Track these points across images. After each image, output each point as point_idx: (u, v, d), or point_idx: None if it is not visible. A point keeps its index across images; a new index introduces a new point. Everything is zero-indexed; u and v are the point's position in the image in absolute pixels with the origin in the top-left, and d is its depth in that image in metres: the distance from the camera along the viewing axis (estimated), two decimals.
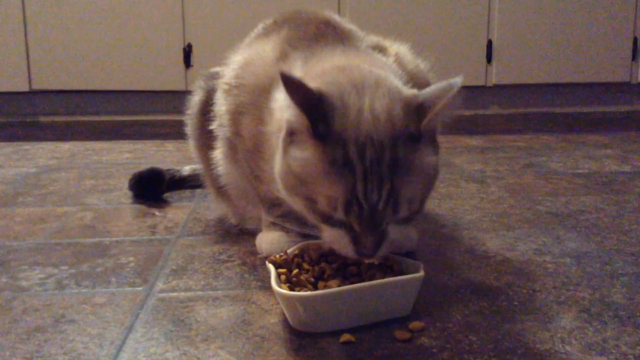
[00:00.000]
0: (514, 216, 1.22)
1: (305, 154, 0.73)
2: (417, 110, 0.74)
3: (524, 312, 0.79)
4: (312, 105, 0.72)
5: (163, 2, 2.78)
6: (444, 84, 0.75)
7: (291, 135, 0.76)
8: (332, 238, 0.76)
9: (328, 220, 0.75)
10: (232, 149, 1.02)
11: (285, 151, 0.76)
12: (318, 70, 0.83)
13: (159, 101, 2.93)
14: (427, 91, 0.76)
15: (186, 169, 1.44)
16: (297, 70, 0.87)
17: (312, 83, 0.75)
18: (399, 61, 0.98)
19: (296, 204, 0.78)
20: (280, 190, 0.80)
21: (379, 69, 0.83)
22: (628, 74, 3.04)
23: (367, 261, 0.79)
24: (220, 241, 1.08)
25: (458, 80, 0.73)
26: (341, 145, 0.71)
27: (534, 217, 1.22)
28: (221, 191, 1.11)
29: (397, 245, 0.97)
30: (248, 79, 0.96)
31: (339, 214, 0.73)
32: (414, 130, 0.73)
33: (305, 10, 1.05)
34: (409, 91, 0.78)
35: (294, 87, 0.71)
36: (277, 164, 0.78)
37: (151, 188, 1.39)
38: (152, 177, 1.39)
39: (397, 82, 0.81)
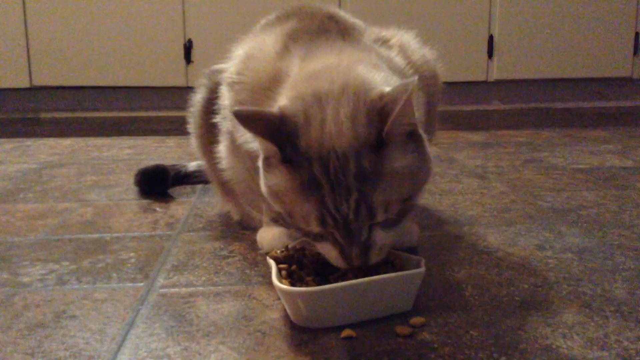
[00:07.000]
0: (515, 211, 1.22)
1: (278, 178, 0.74)
2: (380, 114, 0.72)
3: (525, 307, 0.79)
4: (275, 131, 0.73)
5: None
6: (401, 85, 0.72)
7: (267, 159, 0.76)
8: (323, 250, 0.76)
9: (310, 235, 0.75)
10: (234, 142, 1.02)
11: (265, 174, 0.77)
12: (306, 72, 0.83)
13: (159, 97, 2.93)
14: (391, 92, 0.73)
15: (192, 165, 1.45)
16: (294, 68, 0.87)
17: (281, 100, 0.77)
18: (403, 52, 0.98)
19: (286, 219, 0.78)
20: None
21: (368, 65, 0.81)
22: (629, 69, 3.03)
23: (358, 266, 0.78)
24: (221, 237, 1.08)
25: (414, 80, 0.71)
26: (307, 164, 0.71)
27: (536, 212, 1.22)
28: (225, 186, 1.11)
29: (399, 241, 0.97)
30: (248, 76, 0.96)
31: (316, 229, 0.73)
32: (375, 137, 0.71)
33: (309, 5, 1.04)
34: (375, 92, 0.74)
35: (252, 121, 0.73)
36: (262, 182, 0.78)
37: (157, 184, 1.40)
38: (157, 173, 1.40)
39: (378, 79, 0.78)
